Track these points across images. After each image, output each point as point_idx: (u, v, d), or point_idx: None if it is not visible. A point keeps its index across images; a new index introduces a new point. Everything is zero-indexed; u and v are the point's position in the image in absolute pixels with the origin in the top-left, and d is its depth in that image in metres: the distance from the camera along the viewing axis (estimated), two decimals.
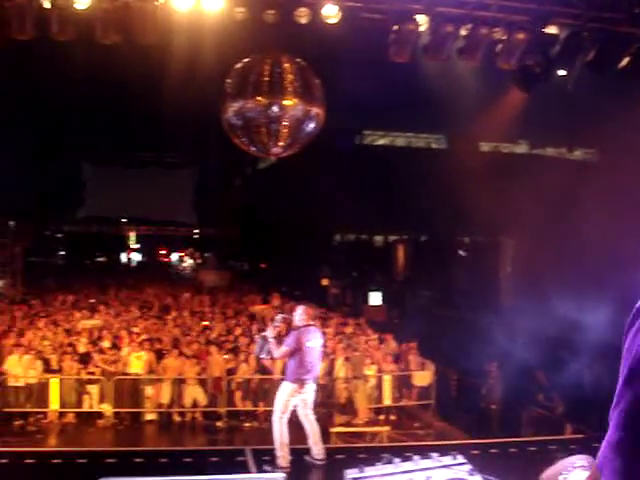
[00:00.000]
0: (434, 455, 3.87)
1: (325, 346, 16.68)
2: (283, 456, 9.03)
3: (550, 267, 23.92)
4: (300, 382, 9.14)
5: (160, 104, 28.04)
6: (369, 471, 3.74)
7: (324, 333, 18.20)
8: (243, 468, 9.10)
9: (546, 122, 29.09)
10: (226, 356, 16.98)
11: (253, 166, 56.23)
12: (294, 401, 9.22)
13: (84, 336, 17.92)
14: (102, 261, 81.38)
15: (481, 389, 16.91)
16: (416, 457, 3.84)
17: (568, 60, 12.26)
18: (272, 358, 9.80)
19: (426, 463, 3.79)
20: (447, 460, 3.83)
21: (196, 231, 56.55)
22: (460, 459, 3.84)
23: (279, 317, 10.16)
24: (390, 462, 3.82)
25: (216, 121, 14.49)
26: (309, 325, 9.38)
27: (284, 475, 3.75)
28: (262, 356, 9.57)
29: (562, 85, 13.14)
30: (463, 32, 11.81)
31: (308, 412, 9.37)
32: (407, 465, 3.78)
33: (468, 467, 3.78)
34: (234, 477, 3.76)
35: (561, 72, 12.67)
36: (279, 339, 9.62)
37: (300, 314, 9.45)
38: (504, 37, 11.65)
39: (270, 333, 9.36)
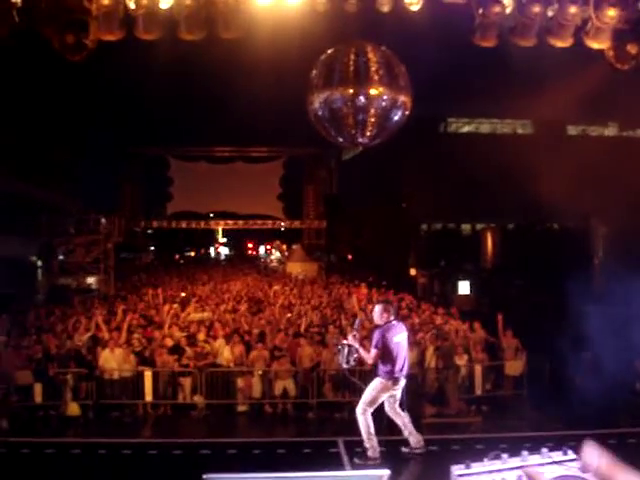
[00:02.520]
0: (544, 450, 3.74)
1: (415, 336, 16.63)
2: (372, 446, 8.99)
3: None
4: (394, 380, 9.07)
5: (244, 99, 28.33)
6: (476, 467, 3.64)
7: (412, 324, 18.13)
8: (336, 459, 9.09)
9: (637, 102, 28.21)
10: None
11: (337, 157, 56.34)
12: (384, 397, 9.16)
13: (176, 330, 18.22)
14: (191, 256, 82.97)
15: (575, 378, 16.50)
16: (525, 452, 3.72)
17: None
18: (351, 367, 9.61)
19: (535, 459, 3.66)
20: (557, 456, 3.69)
21: (282, 224, 56.86)
22: (571, 454, 3.70)
23: (357, 322, 10.08)
24: (498, 457, 3.71)
25: (300, 113, 14.49)
26: (391, 321, 9.28)
27: (389, 472, 3.68)
28: (346, 366, 9.39)
29: None
30: (550, 12, 11.50)
31: (397, 406, 9.30)
32: (515, 461, 3.67)
33: (580, 463, 3.64)
34: (341, 474, 3.71)
35: None
36: (364, 344, 9.54)
37: (379, 312, 9.35)
38: (594, 15, 11.27)
39: (352, 340, 9.27)
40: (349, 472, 3.56)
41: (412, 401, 14.13)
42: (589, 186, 27.93)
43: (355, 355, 9.21)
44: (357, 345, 9.20)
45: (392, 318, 9.31)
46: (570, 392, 15.47)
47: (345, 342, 9.36)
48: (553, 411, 14.94)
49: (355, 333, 9.49)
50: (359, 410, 9.13)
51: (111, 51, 12.71)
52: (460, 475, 3.59)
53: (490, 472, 3.56)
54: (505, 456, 3.68)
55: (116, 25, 11.53)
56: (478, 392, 16.92)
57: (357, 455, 9.08)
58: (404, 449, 9.31)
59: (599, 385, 14.53)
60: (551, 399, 15.73)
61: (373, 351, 9.07)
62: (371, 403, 9.10)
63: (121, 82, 31.24)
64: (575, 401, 14.51)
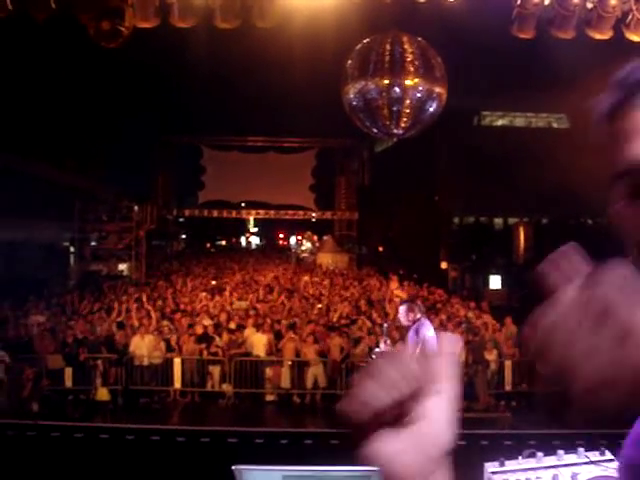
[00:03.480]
0: (580, 450, 3.66)
1: (445, 330, 16.54)
2: None
3: None
4: None
5: (278, 88, 28.24)
6: (510, 465, 3.58)
7: (442, 318, 18.05)
8: None
9: None
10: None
11: (370, 149, 56.09)
12: None
13: (206, 317, 18.29)
14: (222, 245, 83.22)
15: None
16: (560, 451, 3.64)
17: None
18: None
19: (571, 458, 3.58)
20: (594, 456, 3.62)
21: (314, 214, 56.78)
22: (608, 455, 3.62)
23: (385, 327, 9.97)
24: (532, 455, 3.64)
25: (334, 104, 14.44)
26: (419, 319, 9.14)
27: None
28: None
29: None
30: (590, 4, 11.32)
31: None
32: (551, 460, 3.60)
33: (616, 464, 3.56)
34: (364, 467, 3.65)
35: None
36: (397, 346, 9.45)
37: (404, 313, 9.18)
38: (635, 7, 11.07)
39: (384, 347, 9.15)
40: (363, 467, 3.50)
41: None
42: None
43: None
44: (390, 350, 9.09)
45: (419, 316, 9.15)
46: None
47: (378, 350, 9.25)
48: None
49: (386, 339, 9.37)
50: None
51: (146, 38, 12.72)
52: (494, 472, 3.53)
53: (525, 470, 3.50)
54: (540, 454, 3.62)
55: (151, 12, 11.55)
56: (508, 387, 16.81)
57: None
58: None
59: None
60: None
61: (410, 344, 8.93)
62: None
63: (156, 70, 31.26)
64: None
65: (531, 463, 3.59)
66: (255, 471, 3.33)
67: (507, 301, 30.01)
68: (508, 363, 16.95)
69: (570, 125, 43.31)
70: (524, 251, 34.70)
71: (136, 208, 36.81)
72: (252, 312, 19.19)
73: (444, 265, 37.73)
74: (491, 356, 16.70)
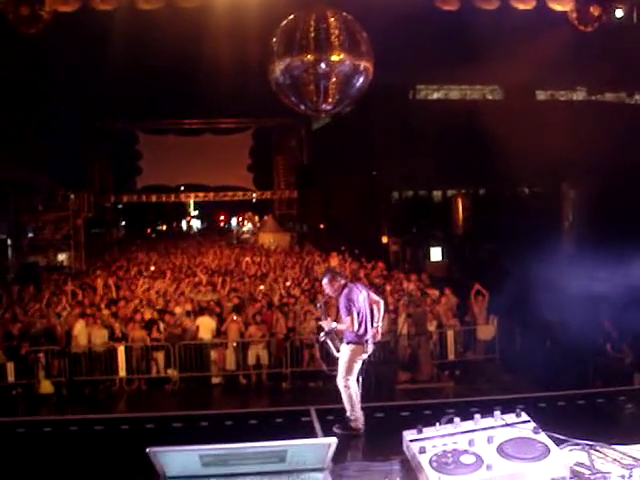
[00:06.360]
0: (496, 413, 3.71)
1: (387, 303, 16.67)
2: (356, 417, 8.70)
3: (614, 215, 23.42)
4: (365, 342, 8.81)
5: (209, 70, 28.05)
6: (428, 432, 3.62)
7: (384, 290, 18.17)
8: (308, 428, 9.04)
9: (604, 66, 28.25)
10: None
11: (307, 127, 56.05)
12: (359, 363, 8.88)
13: (149, 303, 18.17)
14: (163, 230, 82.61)
15: (546, 341, 16.64)
16: (477, 416, 3.69)
17: None
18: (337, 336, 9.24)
19: (488, 422, 3.63)
20: (510, 418, 3.67)
21: (253, 195, 56.69)
22: (524, 416, 3.68)
23: (320, 304, 9.80)
24: (450, 422, 3.69)
25: (267, 83, 14.35)
26: (346, 284, 8.98)
27: (336, 440, 3.66)
28: (338, 354, 9.00)
29: (619, 26, 12.67)
30: None
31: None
32: (468, 424, 3.65)
33: (532, 425, 3.62)
34: (288, 442, 3.67)
35: (619, 13, 12.21)
36: (337, 319, 9.28)
37: (329, 284, 8.98)
38: None
39: (327, 325, 8.98)
40: (297, 441, 3.51)
41: (385, 368, 14.24)
42: (559, 151, 28.00)
43: (339, 337, 8.95)
44: (333, 325, 8.93)
45: (343, 282, 9.01)
46: (541, 355, 15.62)
47: (322, 334, 9.06)
48: (524, 374, 15.08)
49: (326, 317, 9.20)
50: (340, 382, 8.83)
51: (72, 22, 12.48)
52: (412, 440, 3.57)
53: (442, 436, 3.55)
54: (457, 420, 3.66)
55: None
56: (451, 357, 17.05)
57: (332, 422, 8.92)
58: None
59: (569, 347, 14.68)
60: (522, 362, 15.88)
61: (347, 319, 8.75)
62: (349, 372, 8.82)
63: (87, 55, 30.82)
64: (545, 364, 14.65)
65: (448, 429, 3.64)
66: (171, 452, 3.31)
67: (448, 272, 30.35)
68: (450, 333, 17.18)
69: (504, 96, 43.80)
70: (463, 222, 35.10)
71: (72, 196, 36.26)
72: (195, 295, 19.10)
73: (385, 239, 37.96)
74: (432, 327, 16.91)
